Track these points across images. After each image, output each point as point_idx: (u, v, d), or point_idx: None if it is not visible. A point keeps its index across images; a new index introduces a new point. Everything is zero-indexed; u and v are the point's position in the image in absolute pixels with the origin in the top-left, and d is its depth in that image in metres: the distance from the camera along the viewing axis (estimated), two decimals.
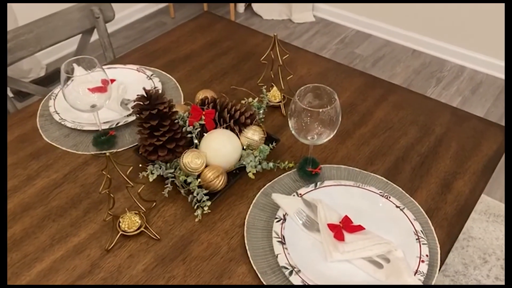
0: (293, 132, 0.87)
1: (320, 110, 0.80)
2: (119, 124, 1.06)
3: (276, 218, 0.84)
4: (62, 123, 1.06)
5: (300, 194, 0.88)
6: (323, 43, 2.84)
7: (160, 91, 0.95)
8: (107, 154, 0.72)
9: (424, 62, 2.67)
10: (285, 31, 2.97)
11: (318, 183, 0.90)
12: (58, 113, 1.08)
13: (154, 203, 0.89)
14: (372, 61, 2.67)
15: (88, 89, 0.95)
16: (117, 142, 1.04)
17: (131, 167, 0.79)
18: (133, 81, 1.19)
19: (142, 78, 1.20)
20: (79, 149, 1.02)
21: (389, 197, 0.87)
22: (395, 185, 0.92)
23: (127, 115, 1.08)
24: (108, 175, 0.77)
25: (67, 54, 2.69)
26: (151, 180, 0.89)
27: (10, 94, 2.35)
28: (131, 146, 1.02)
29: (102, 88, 0.97)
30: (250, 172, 0.90)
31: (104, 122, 1.05)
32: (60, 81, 0.93)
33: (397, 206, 0.86)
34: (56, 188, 0.93)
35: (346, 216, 0.83)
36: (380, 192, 0.88)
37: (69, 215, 0.88)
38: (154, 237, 0.83)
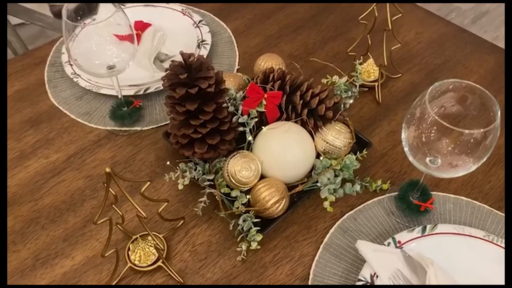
0: (406, 149, 0.55)
1: (466, 131, 0.47)
2: (148, 91, 0.77)
3: (361, 279, 0.55)
4: (75, 79, 0.79)
5: (399, 242, 0.57)
6: None
7: (205, 57, 0.64)
8: (107, 170, 0.44)
9: None
10: None
11: (428, 227, 0.59)
12: (71, 65, 0.81)
13: (182, 221, 0.62)
14: (473, 16, 2.17)
15: (115, 35, 0.66)
16: (144, 116, 0.76)
17: (148, 183, 0.51)
18: (175, 27, 0.88)
19: (187, 24, 0.88)
20: (92, 120, 0.75)
21: None
22: None
23: (162, 78, 0.78)
24: (112, 191, 0.50)
25: None
26: (180, 188, 0.62)
27: (50, 15, 2.10)
28: (162, 124, 0.74)
29: (130, 36, 0.68)
30: (326, 200, 0.60)
31: (128, 86, 0.77)
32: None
33: None
34: (54, 177, 0.68)
35: None
36: None
37: (64, 222, 0.63)
38: (175, 279, 0.57)
